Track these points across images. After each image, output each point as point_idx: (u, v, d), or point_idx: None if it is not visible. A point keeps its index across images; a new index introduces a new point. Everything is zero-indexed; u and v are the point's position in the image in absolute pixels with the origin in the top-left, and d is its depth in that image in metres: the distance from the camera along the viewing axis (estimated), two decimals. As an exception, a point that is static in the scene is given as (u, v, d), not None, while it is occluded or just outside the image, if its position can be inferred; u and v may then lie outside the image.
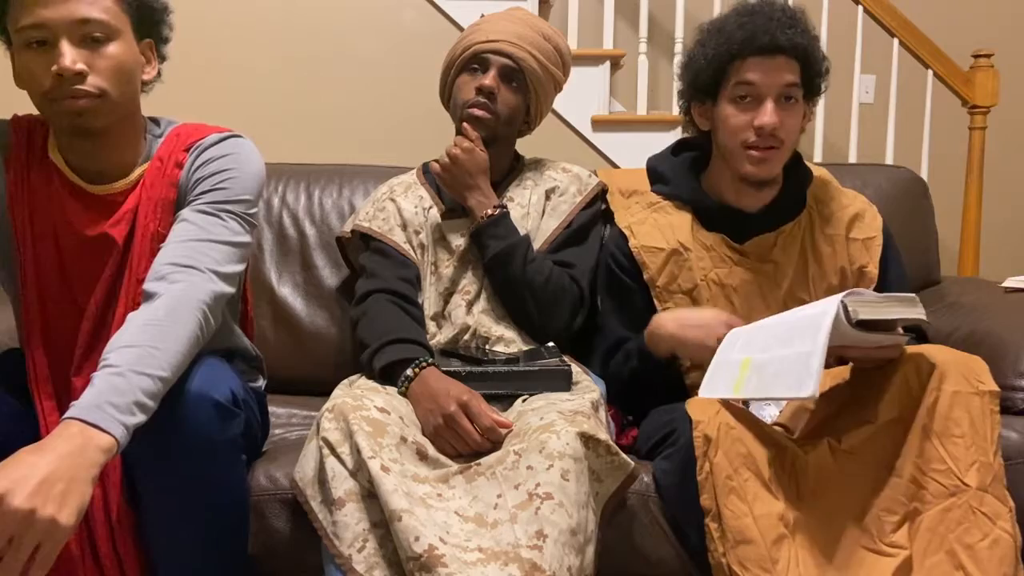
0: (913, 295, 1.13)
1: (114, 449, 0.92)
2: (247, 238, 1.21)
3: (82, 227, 1.19)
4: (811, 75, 1.38)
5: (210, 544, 1.14)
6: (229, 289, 1.15)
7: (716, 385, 1.20)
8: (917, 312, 1.11)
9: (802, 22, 1.36)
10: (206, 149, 1.22)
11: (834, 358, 1.25)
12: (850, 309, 1.08)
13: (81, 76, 1.10)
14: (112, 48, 1.13)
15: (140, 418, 0.95)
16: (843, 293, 1.10)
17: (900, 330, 1.15)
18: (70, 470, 0.87)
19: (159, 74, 1.26)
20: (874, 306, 1.09)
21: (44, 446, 0.88)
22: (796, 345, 1.09)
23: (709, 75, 1.39)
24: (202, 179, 1.20)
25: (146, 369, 0.98)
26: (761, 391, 1.12)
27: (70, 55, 1.09)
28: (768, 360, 1.13)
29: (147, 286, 1.09)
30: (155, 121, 1.27)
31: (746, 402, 1.25)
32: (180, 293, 1.07)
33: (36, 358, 1.19)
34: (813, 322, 1.09)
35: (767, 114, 1.33)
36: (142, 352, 0.99)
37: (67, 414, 0.92)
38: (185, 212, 1.18)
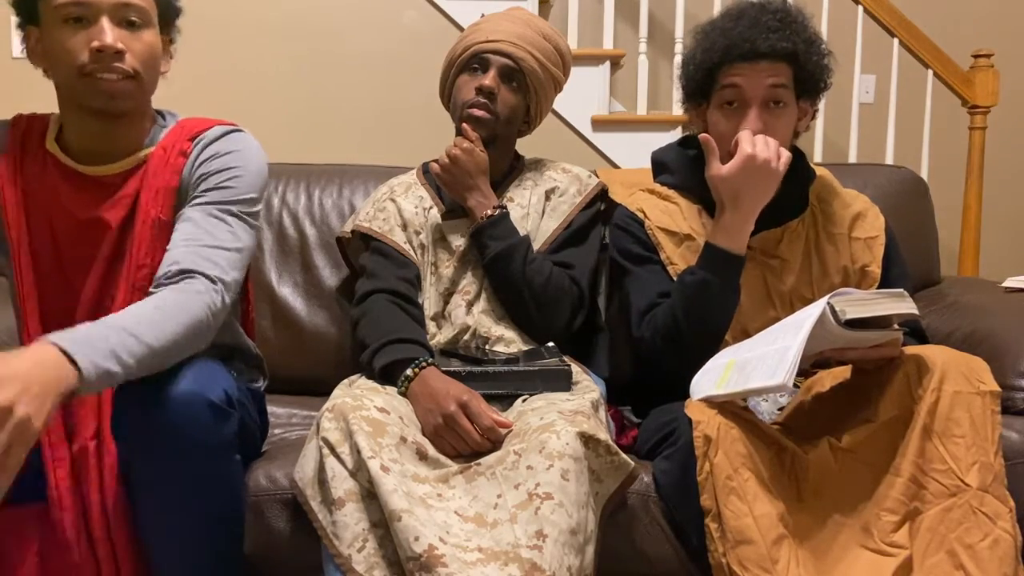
0: (901, 290, 1.13)
1: (75, 382, 0.91)
2: (251, 241, 1.23)
3: (75, 210, 1.21)
4: (804, 76, 1.37)
5: (205, 543, 1.14)
6: (233, 297, 1.17)
7: (702, 386, 1.23)
8: (907, 307, 1.11)
9: (794, 24, 1.35)
10: (211, 143, 1.24)
11: (835, 361, 1.25)
12: (837, 309, 1.08)
13: (120, 55, 1.14)
14: (146, 34, 1.18)
15: (115, 369, 0.95)
16: (830, 294, 1.10)
17: (895, 326, 1.15)
18: (42, 379, 0.87)
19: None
20: (862, 304, 1.09)
21: (19, 352, 0.89)
22: (778, 344, 1.11)
23: (698, 80, 1.41)
24: (207, 175, 1.21)
25: (136, 332, 0.99)
26: (740, 385, 1.13)
27: (112, 33, 1.13)
28: (750, 358, 1.15)
29: (155, 288, 1.11)
30: (162, 114, 1.30)
31: (746, 402, 1.25)
32: (190, 290, 1.10)
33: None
34: (797, 323, 1.10)
35: (750, 123, 1.34)
36: (139, 320, 1.01)
37: (47, 337, 0.92)
38: (191, 211, 1.19)
